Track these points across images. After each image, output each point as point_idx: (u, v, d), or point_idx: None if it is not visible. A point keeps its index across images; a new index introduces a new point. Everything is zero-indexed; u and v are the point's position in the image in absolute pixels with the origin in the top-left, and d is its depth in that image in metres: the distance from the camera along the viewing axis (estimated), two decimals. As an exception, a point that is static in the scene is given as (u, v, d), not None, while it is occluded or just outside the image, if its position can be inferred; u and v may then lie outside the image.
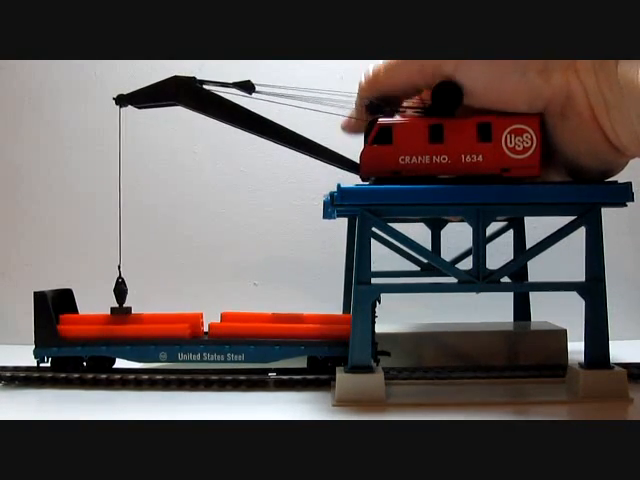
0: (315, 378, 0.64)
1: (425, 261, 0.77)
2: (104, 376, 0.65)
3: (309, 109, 0.60)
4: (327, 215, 0.72)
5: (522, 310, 0.79)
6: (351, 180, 0.60)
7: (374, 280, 0.59)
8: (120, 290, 0.67)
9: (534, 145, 0.58)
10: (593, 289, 0.58)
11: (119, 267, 0.66)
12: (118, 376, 0.65)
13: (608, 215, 0.59)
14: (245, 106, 0.61)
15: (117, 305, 0.67)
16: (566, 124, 0.57)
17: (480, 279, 0.59)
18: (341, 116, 0.61)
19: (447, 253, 0.77)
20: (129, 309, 0.67)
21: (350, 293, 0.59)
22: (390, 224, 0.59)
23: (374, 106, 0.60)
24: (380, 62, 0.59)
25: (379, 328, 0.62)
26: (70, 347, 0.65)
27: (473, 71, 0.56)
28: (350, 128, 0.64)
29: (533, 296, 0.79)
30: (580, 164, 0.59)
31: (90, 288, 0.87)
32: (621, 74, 0.52)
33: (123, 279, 0.67)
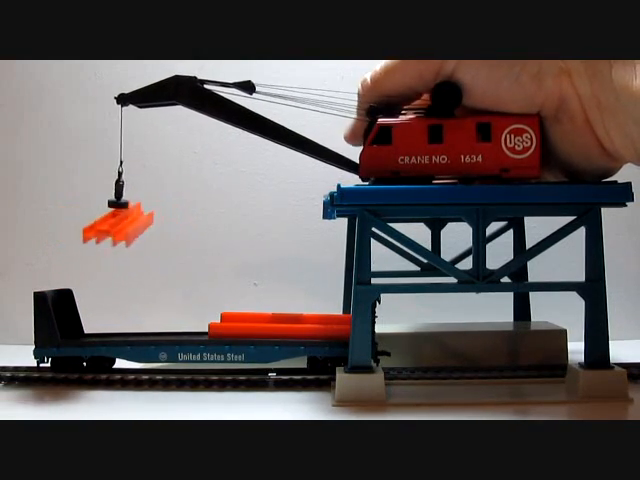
0: (315, 378, 0.64)
1: (425, 261, 0.77)
2: (104, 376, 0.65)
3: (309, 109, 0.60)
4: (327, 215, 0.72)
5: (522, 310, 0.79)
6: (351, 180, 0.60)
7: (374, 280, 0.59)
8: (119, 185, 0.66)
9: (534, 145, 0.58)
10: (593, 289, 0.58)
11: (121, 163, 0.65)
12: (118, 376, 0.65)
13: (608, 215, 0.59)
14: (245, 106, 0.61)
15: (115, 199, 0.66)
16: (559, 128, 0.57)
17: (480, 279, 0.59)
18: (341, 116, 0.61)
19: (447, 253, 0.77)
20: (126, 203, 0.66)
21: (350, 293, 0.59)
22: (390, 224, 0.59)
23: (375, 110, 0.60)
24: (378, 68, 0.59)
25: (379, 328, 0.62)
26: (70, 347, 0.65)
27: (473, 69, 0.56)
28: (353, 138, 0.63)
29: (533, 296, 0.79)
30: (573, 167, 0.59)
31: (90, 288, 0.88)
32: (616, 79, 0.52)
33: (120, 174, 0.65)
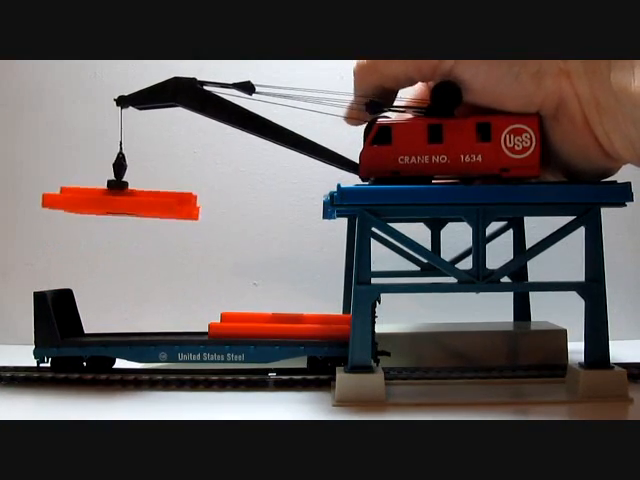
0: (315, 378, 0.64)
1: (425, 261, 0.77)
2: (104, 376, 0.65)
3: (309, 109, 0.60)
4: (327, 215, 0.72)
5: (522, 310, 0.79)
6: (351, 180, 0.60)
7: (374, 280, 0.59)
8: (119, 164, 0.64)
9: (533, 145, 0.58)
10: (593, 289, 0.58)
11: (120, 143, 0.64)
12: (118, 376, 0.65)
13: (608, 215, 0.59)
14: (245, 107, 0.61)
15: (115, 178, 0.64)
16: (558, 128, 0.57)
17: (480, 279, 0.59)
18: (341, 116, 0.61)
19: (447, 253, 0.77)
20: (125, 183, 0.65)
21: (350, 293, 0.59)
22: (390, 224, 0.59)
23: (374, 105, 0.60)
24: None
25: (379, 328, 0.62)
26: (70, 347, 0.65)
27: (472, 67, 0.56)
28: (352, 119, 0.62)
29: (533, 296, 0.79)
30: (573, 167, 0.59)
31: (90, 288, 0.88)
32: (614, 80, 0.52)
33: (124, 155, 0.64)
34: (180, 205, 0.65)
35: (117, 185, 0.64)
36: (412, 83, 0.60)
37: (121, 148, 0.64)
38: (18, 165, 0.95)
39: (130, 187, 0.65)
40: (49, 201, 0.64)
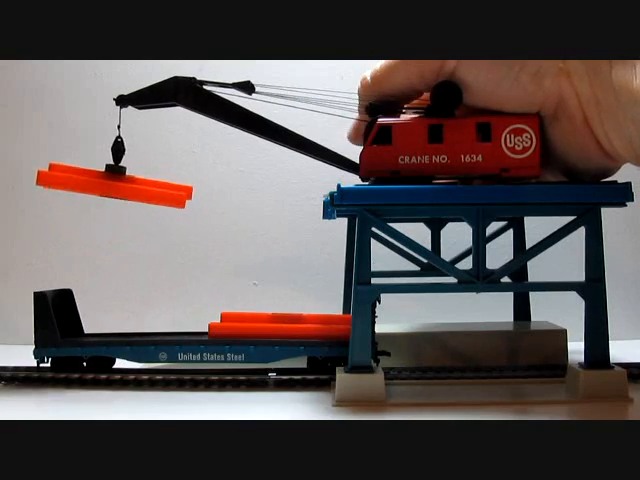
0: (315, 378, 0.64)
1: (425, 261, 0.77)
2: (104, 376, 0.65)
3: (309, 109, 0.60)
4: (327, 215, 0.72)
5: (522, 310, 0.79)
6: (351, 180, 0.60)
7: (374, 280, 0.59)
8: (118, 149, 0.64)
9: (534, 145, 0.58)
10: (593, 289, 0.58)
11: (118, 127, 0.63)
12: (118, 376, 0.65)
13: (608, 215, 0.59)
14: (245, 106, 0.61)
15: (113, 163, 0.64)
16: (558, 127, 0.57)
17: (480, 279, 0.59)
18: (341, 117, 0.61)
19: (447, 253, 0.77)
20: (124, 168, 0.65)
21: (350, 293, 0.59)
22: (390, 224, 0.59)
23: (374, 108, 0.60)
24: (378, 66, 0.59)
25: (379, 328, 0.62)
26: (70, 347, 0.65)
27: (473, 69, 0.56)
28: (356, 137, 0.63)
29: (533, 296, 0.79)
30: (572, 166, 0.59)
31: (90, 288, 0.88)
32: (616, 78, 0.52)
33: (122, 139, 0.64)
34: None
35: (116, 170, 0.64)
36: (416, 92, 0.59)
37: (119, 132, 0.64)
38: (18, 165, 0.95)
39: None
40: (44, 179, 0.63)
